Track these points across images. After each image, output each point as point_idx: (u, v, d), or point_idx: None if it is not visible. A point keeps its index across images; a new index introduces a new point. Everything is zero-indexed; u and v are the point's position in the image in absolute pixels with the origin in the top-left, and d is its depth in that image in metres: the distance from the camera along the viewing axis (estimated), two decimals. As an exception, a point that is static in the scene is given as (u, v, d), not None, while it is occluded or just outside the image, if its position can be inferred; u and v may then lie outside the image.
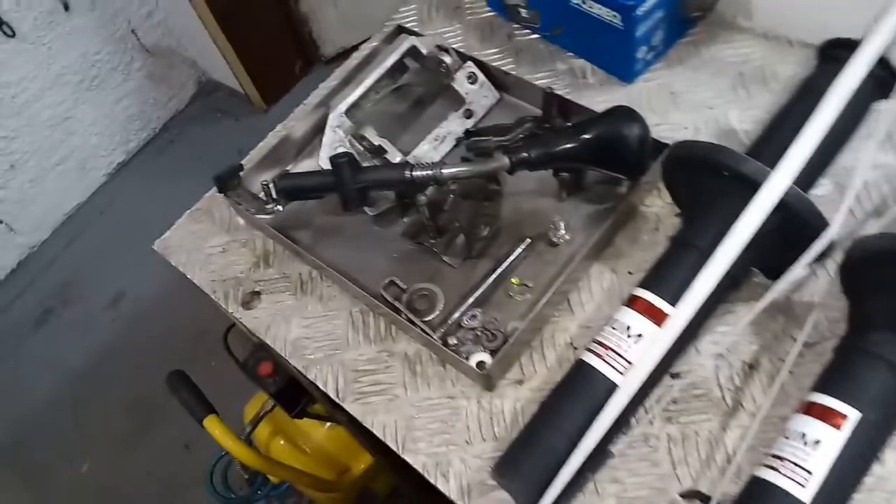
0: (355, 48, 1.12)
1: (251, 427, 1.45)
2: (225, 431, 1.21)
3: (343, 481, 1.59)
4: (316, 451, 1.60)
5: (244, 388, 1.20)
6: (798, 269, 0.70)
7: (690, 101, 0.95)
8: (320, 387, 0.85)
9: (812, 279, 0.79)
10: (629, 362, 0.69)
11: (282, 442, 1.59)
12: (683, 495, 0.71)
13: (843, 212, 0.69)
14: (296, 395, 1.17)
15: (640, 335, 0.69)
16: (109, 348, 2.33)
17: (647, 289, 0.72)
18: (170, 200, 2.51)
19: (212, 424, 1.19)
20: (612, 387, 0.68)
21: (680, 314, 0.66)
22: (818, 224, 0.68)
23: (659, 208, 0.88)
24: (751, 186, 0.67)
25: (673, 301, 0.70)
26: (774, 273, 0.79)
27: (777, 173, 0.66)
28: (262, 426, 1.48)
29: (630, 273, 0.84)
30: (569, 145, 0.83)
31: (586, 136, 0.83)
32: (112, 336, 2.36)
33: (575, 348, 0.81)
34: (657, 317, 0.70)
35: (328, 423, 1.56)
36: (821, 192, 0.82)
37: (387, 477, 1.70)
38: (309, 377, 0.86)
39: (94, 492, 2.07)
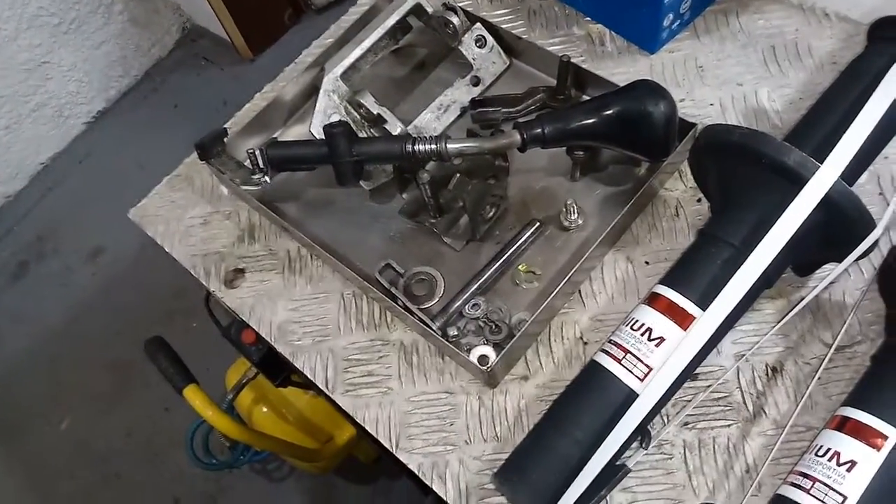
0: (349, -1, 1.03)
1: (233, 395, 1.41)
2: (205, 401, 1.16)
3: (326, 450, 1.56)
4: (299, 420, 1.56)
5: (226, 350, 1.16)
6: (839, 270, 0.64)
7: (718, 75, 0.88)
8: (308, 376, 0.79)
9: (843, 276, 0.73)
10: (649, 368, 0.63)
11: (264, 410, 1.54)
12: (700, 510, 0.66)
13: (890, 212, 0.63)
14: (280, 363, 1.12)
15: (662, 338, 0.63)
16: (88, 304, 2.26)
17: (670, 287, 0.66)
18: (151, 151, 2.44)
19: (192, 394, 1.15)
20: (629, 394, 0.62)
21: (710, 318, 0.61)
22: (865, 223, 0.61)
23: (680, 193, 0.81)
24: (794, 179, 0.61)
25: (700, 302, 0.63)
26: (805, 269, 0.73)
27: (825, 166, 0.60)
28: (244, 393, 1.43)
29: (647, 263, 0.78)
30: (587, 121, 0.76)
31: (607, 112, 0.75)
32: (91, 292, 2.28)
33: (585, 343, 0.75)
34: (681, 319, 0.64)
35: (311, 392, 1.52)
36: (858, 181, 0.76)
37: (370, 445, 1.67)
38: (296, 365, 0.80)
39: (72, 449, 2.02)
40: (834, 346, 0.68)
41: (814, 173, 0.60)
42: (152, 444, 1.98)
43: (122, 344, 2.10)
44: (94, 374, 2.12)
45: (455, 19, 0.89)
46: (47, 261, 2.38)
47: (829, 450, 0.59)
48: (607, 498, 0.67)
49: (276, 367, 1.12)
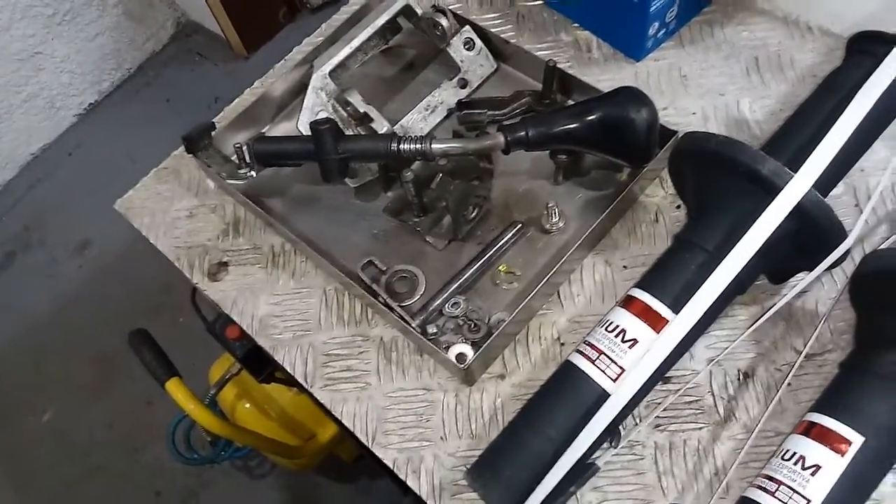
0: (343, -1, 1.04)
1: (216, 390, 1.41)
2: (188, 396, 1.17)
3: (308, 448, 1.56)
4: (282, 417, 1.56)
5: (211, 345, 1.16)
6: (809, 278, 0.66)
7: (701, 84, 0.89)
8: (287, 369, 0.80)
9: (817, 285, 0.74)
10: (622, 369, 0.64)
11: (247, 405, 1.54)
12: (669, 510, 0.67)
13: (861, 223, 0.65)
14: (264, 359, 1.12)
15: (635, 340, 0.64)
16: (74, 296, 2.25)
17: (644, 290, 0.67)
18: (142, 145, 2.43)
19: (174, 388, 1.15)
20: (602, 394, 0.64)
21: (682, 321, 0.62)
22: (836, 233, 0.63)
23: (660, 199, 0.83)
24: (768, 188, 0.62)
25: (673, 305, 0.65)
26: (778, 277, 0.74)
27: (798, 176, 0.61)
28: (227, 388, 1.43)
29: (625, 267, 0.79)
30: (571, 126, 0.77)
31: (590, 118, 0.76)
32: (77, 284, 2.27)
33: (562, 344, 0.76)
34: (654, 321, 0.65)
35: (295, 389, 1.52)
36: (833, 192, 0.77)
37: (352, 444, 1.67)
38: (276, 358, 0.80)
39: (54, 441, 2.02)
40: (804, 354, 0.69)
41: (787, 182, 0.61)
42: (134, 437, 1.97)
43: (107, 337, 2.09)
44: (77, 367, 2.11)
45: (444, 21, 0.90)
46: (34, 251, 2.37)
47: (794, 454, 0.60)
48: (577, 496, 0.68)
49: (259, 364, 1.13)
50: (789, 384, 0.69)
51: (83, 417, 2.04)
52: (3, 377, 2.15)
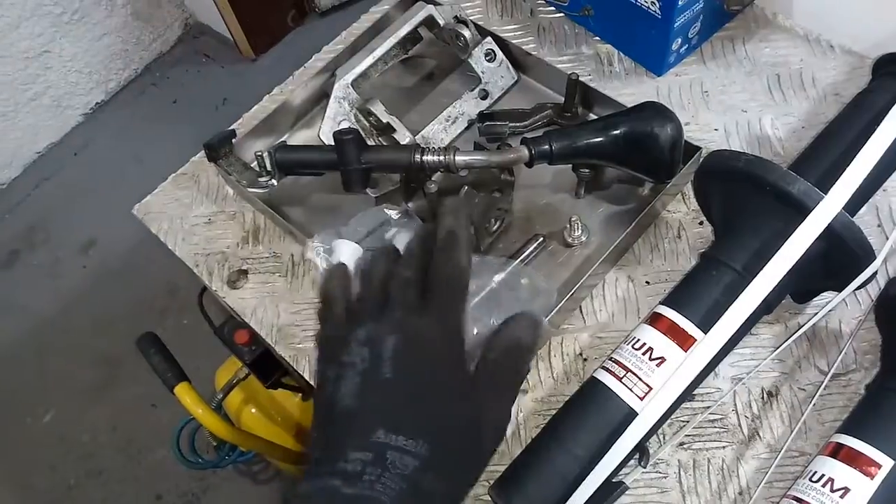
0: (351, 2, 1.04)
1: (222, 395, 1.40)
2: (196, 400, 1.17)
3: (314, 455, 1.55)
4: (288, 423, 1.56)
5: (216, 349, 1.16)
6: (837, 300, 0.65)
7: (722, 101, 0.89)
8: (307, 379, 0.79)
9: (842, 306, 0.74)
10: (650, 387, 0.64)
11: (253, 410, 1.54)
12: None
13: (890, 245, 0.64)
14: (271, 365, 1.12)
15: (662, 358, 0.64)
16: (78, 297, 2.24)
17: (672, 307, 0.66)
18: (149, 146, 2.43)
19: (183, 392, 1.15)
20: (629, 412, 0.63)
21: (711, 341, 0.62)
22: (865, 254, 0.62)
23: (683, 215, 0.83)
24: (798, 208, 0.62)
25: (701, 324, 0.64)
26: (803, 296, 0.74)
27: (829, 197, 0.61)
28: (234, 393, 1.43)
29: (648, 283, 0.79)
30: (595, 140, 0.77)
31: (615, 132, 0.76)
32: (81, 284, 2.27)
33: (585, 360, 0.76)
34: (682, 340, 0.64)
35: (301, 395, 1.52)
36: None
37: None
38: (297, 368, 0.80)
39: (55, 442, 2.01)
40: (830, 374, 0.69)
41: (818, 203, 0.61)
42: (137, 440, 1.96)
43: (111, 338, 2.09)
44: (80, 368, 2.10)
45: (466, 32, 0.90)
46: (38, 251, 2.36)
47: (823, 475, 0.60)
48: (602, 514, 0.67)
49: (267, 369, 1.13)
50: (814, 404, 0.69)
51: (85, 419, 2.03)
52: (4, 377, 2.14)
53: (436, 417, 0.41)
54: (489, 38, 0.93)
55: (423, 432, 0.39)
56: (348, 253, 0.72)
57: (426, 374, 0.42)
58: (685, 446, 0.70)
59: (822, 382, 0.69)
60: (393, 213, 0.79)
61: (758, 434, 0.70)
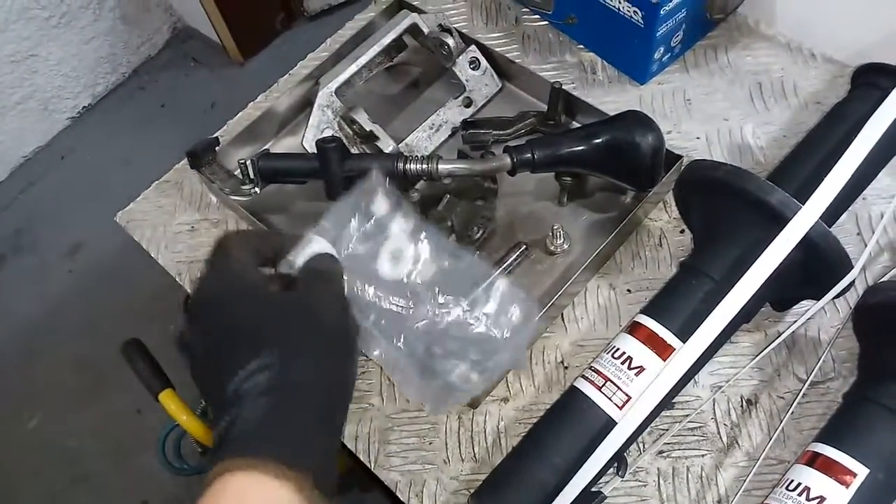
0: (340, 6, 1.04)
1: (208, 402, 1.40)
2: (181, 407, 1.16)
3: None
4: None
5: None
6: (815, 309, 0.66)
7: (704, 109, 0.90)
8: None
9: (820, 314, 0.75)
10: (628, 396, 0.64)
11: (239, 416, 1.53)
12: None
13: (867, 254, 0.65)
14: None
15: (641, 367, 0.64)
16: (64, 301, 2.23)
17: (651, 317, 0.67)
18: (136, 150, 2.42)
19: (167, 399, 1.14)
20: (608, 421, 0.63)
21: (689, 350, 0.62)
22: (842, 263, 0.63)
23: (664, 223, 0.83)
24: (776, 219, 0.62)
25: (679, 333, 0.65)
26: (782, 305, 0.74)
27: (806, 208, 0.61)
28: (220, 399, 1.42)
29: (629, 291, 0.80)
30: (577, 148, 0.77)
31: (597, 141, 0.77)
32: (67, 288, 2.25)
33: (566, 367, 0.76)
34: (661, 349, 0.65)
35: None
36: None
37: (343, 456, 1.66)
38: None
39: (40, 448, 1.99)
40: (808, 382, 0.69)
41: (795, 213, 0.62)
42: (122, 445, 1.95)
43: (97, 343, 2.07)
44: (66, 373, 2.08)
45: (450, 40, 0.90)
46: (24, 255, 2.35)
47: (799, 484, 0.60)
48: (581, 522, 0.67)
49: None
50: (792, 412, 0.69)
51: (71, 424, 2.01)
52: (-11, 382, 2.13)
53: (270, 328, 0.45)
54: (473, 46, 0.93)
55: (266, 344, 0.43)
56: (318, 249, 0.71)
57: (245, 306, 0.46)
58: (664, 454, 0.70)
59: (801, 390, 0.69)
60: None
61: (737, 442, 0.70)
